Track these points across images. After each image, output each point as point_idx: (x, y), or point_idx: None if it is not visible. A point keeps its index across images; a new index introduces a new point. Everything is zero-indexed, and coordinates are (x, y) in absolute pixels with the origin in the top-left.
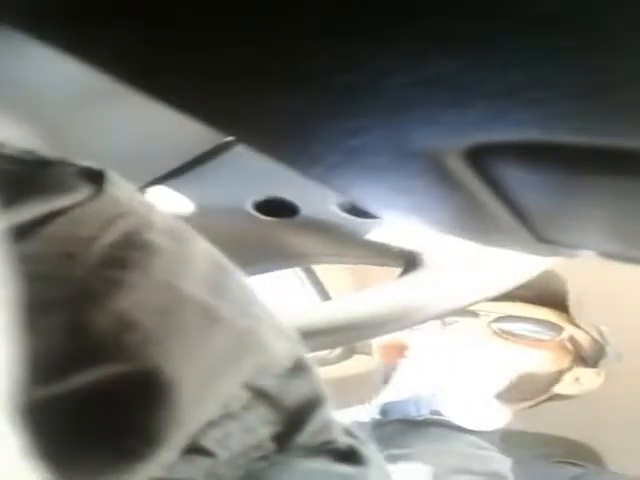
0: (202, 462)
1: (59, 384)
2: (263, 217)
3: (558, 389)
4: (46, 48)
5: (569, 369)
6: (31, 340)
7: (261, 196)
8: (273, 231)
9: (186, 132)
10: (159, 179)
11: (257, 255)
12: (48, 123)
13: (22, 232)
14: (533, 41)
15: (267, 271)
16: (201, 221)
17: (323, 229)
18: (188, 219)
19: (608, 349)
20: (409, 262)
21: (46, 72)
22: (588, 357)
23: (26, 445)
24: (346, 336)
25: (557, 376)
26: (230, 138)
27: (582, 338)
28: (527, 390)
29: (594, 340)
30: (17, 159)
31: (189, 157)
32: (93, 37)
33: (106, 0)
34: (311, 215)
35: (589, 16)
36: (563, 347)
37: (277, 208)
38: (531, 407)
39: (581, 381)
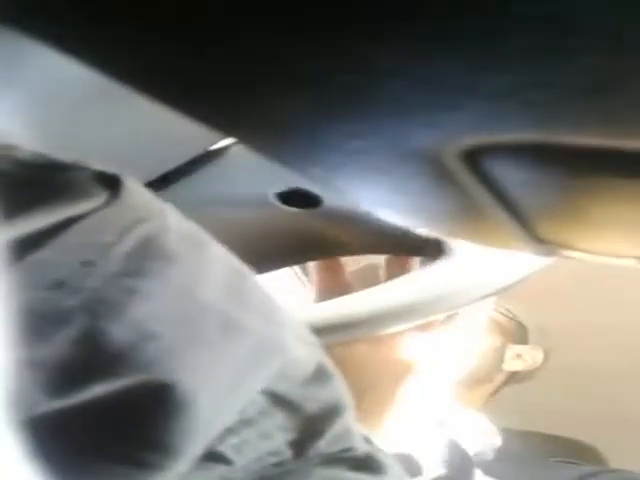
0: (218, 469)
1: (74, 395)
2: (286, 208)
3: (506, 366)
4: (45, 48)
5: (504, 346)
6: (47, 350)
7: (282, 187)
8: (300, 223)
9: (192, 130)
10: (164, 177)
11: (286, 248)
12: (48, 124)
13: (38, 239)
14: (533, 41)
15: (299, 263)
16: (224, 216)
17: (348, 219)
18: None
19: (528, 324)
20: (436, 250)
21: (46, 72)
22: (514, 333)
23: (30, 456)
24: (371, 327)
25: (498, 354)
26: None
27: (496, 317)
28: (477, 371)
29: (508, 317)
30: (29, 163)
31: (196, 154)
32: (92, 37)
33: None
34: (335, 205)
35: (589, 15)
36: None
37: (300, 199)
38: (495, 392)
39: (523, 357)
